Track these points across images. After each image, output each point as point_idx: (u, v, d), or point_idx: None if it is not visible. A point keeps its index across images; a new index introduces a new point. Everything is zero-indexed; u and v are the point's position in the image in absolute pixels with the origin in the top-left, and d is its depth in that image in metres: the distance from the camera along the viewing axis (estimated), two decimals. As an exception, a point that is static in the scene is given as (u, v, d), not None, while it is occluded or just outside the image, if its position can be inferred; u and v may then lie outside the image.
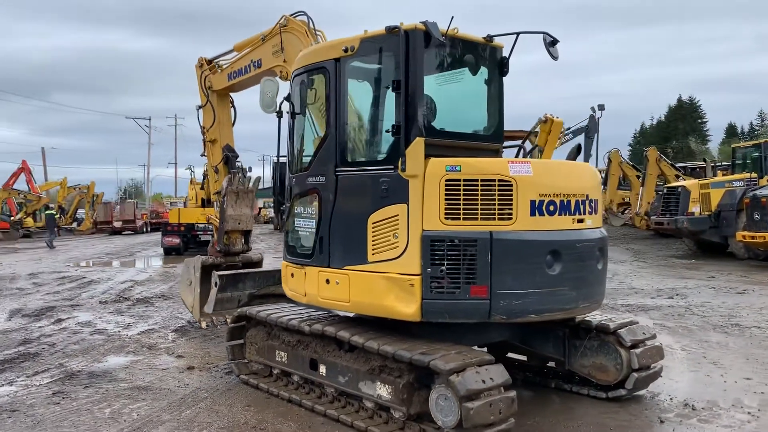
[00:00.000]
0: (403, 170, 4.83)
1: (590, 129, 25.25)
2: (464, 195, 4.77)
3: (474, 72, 5.44)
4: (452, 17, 4.86)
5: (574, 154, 5.89)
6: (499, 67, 5.53)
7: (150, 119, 68.35)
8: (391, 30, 4.89)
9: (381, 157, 5.16)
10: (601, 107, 37.96)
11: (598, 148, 36.87)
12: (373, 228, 5.03)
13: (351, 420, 5.09)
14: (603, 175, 29.95)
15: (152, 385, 6.17)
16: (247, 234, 8.92)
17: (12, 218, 38.72)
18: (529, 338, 6.16)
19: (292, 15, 7.59)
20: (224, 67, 8.84)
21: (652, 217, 20.98)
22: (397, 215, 4.90)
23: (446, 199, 4.77)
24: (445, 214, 4.78)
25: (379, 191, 4.99)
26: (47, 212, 33.59)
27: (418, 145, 4.80)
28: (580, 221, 5.16)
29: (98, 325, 9.17)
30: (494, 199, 4.77)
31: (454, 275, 4.78)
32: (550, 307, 4.96)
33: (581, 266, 5.09)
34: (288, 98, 5.78)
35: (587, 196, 5.22)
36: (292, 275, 5.79)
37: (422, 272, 4.80)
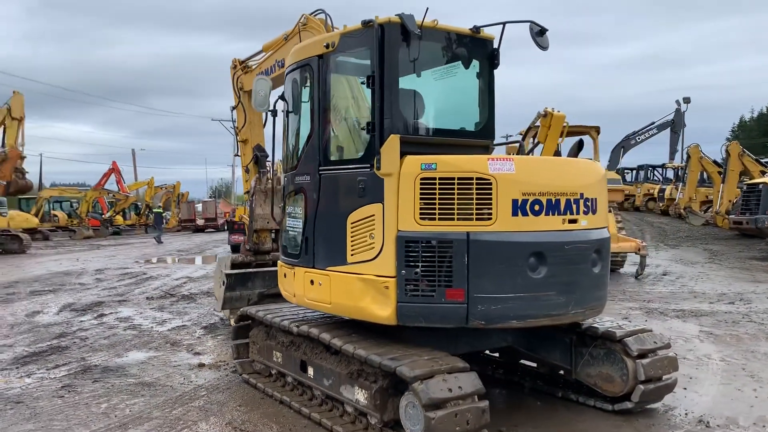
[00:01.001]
0: (378, 168, 4.67)
1: (676, 123, 24.00)
2: (440, 194, 4.56)
3: (464, 65, 5.19)
4: (427, 8, 4.66)
5: (575, 151, 5.53)
6: (490, 59, 5.26)
7: (234, 121, 70.66)
8: (367, 24, 4.75)
9: (359, 155, 5.01)
10: (687, 100, 35.97)
11: (683, 142, 35.01)
12: (351, 228, 4.91)
13: (331, 424, 4.98)
14: (684, 171, 28.44)
15: (157, 382, 6.28)
16: (277, 232, 8.97)
17: (103, 216, 41.03)
18: (536, 344, 5.87)
19: (311, 13, 7.54)
20: (253, 67, 8.92)
21: (730, 216, 19.71)
22: (373, 215, 4.75)
23: (421, 199, 4.58)
24: (420, 213, 4.59)
25: (357, 190, 4.86)
26: (155, 210, 35.53)
27: (392, 142, 4.63)
28: (573, 222, 4.83)
29: (135, 320, 9.47)
30: (472, 199, 4.54)
31: (429, 278, 4.59)
32: (534, 313, 4.66)
33: (572, 270, 4.77)
34: (282, 97, 5.74)
35: (582, 194, 4.88)
36: (285, 275, 5.75)
37: (397, 274, 4.63)
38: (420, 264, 4.58)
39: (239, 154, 9.54)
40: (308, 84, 5.30)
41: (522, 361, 6.33)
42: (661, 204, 32.82)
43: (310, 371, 5.44)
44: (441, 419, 4.11)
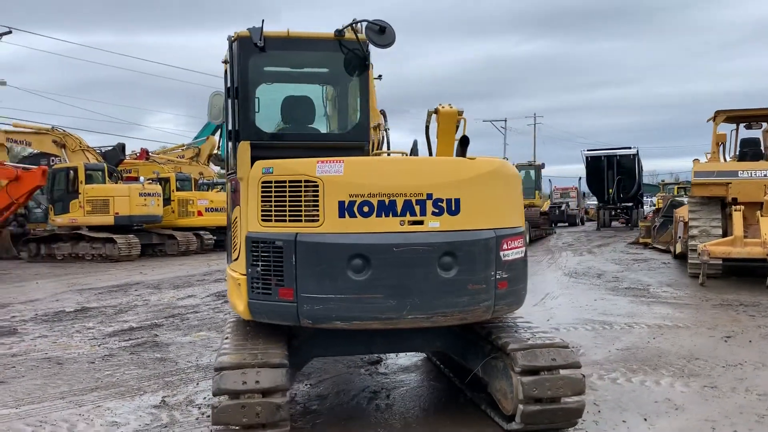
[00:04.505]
0: (235, 174, 5.05)
1: None
2: (275, 197, 4.77)
3: (335, 69, 5.24)
4: (263, 20, 4.87)
5: (459, 149, 5.09)
6: (361, 61, 5.19)
7: (506, 120, 72.27)
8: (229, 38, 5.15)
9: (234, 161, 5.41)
10: None
11: None
12: (232, 229, 5.34)
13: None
14: None
15: (174, 359, 7.34)
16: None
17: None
18: (466, 352, 5.65)
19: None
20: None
21: None
22: (237, 217, 5.14)
23: (262, 201, 4.84)
24: (262, 215, 4.84)
25: (233, 195, 5.29)
26: None
27: (243, 148, 4.96)
28: (417, 223, 4.61)
29: (246, 307, 10.79)
30: (300, 201, 4.66)
31: (267, 277, 4.82)
32: (358, 315, 4.59)
33: (404, 273, 4.56)
34: None
35: (430, 195, 4.62)
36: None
37: (247, 273, 4.95)
38: (260, 263, 4.84)
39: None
40: None
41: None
42: None
43: (239, 358, 5.97)
44: (224, 408, 4.36)
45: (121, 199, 21.54)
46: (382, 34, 4.86)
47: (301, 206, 4.67)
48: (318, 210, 4.61)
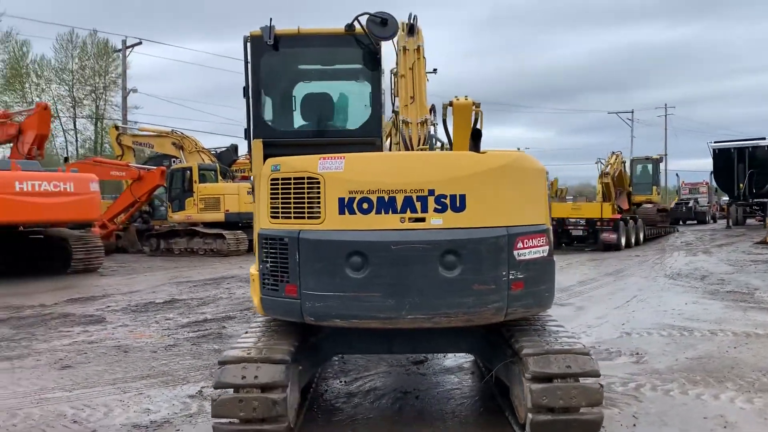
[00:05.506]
0: (251, 171, 5.12)
1: None
2: (282, 194, 4.79)
3: (348, 64, 5.16)
4: (271, 18, 4.87)
5: (470, 144, 4.79)
6: (372, 56, 5.06)
7: (632, 112, 68.98)
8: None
9: (254, 159, 5.47)
10: None
11: None
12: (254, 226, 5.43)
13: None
14: None
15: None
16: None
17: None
18: (492, 355, 5.42)
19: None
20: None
21: None
22: (254, 214, 5.21)
23: (271, 198, 4.87)
24: (271, 212, 4.88)
25: (253, 192, 5.37)
26: None
27: (256, 146, 5.03)
28: (419, 220, 4.44)
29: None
30: (304, 198, 4.65)
31: (275, 273, 4.84)
32: (356, 314, 4.50)
33: (404, 271, 4.41)
34: None
35: (432, 191, 4.45)
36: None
37: (259, 269, 5.00)
38: (269, 260, 4.88)
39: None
40: None
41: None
42: None
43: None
44: (222, 402, 4.43)
45: (230, 197, 22.66)
46: (384, 26, 4.73)
47: (304, 203, 4.65)
48: (320, 207, 4.58)
